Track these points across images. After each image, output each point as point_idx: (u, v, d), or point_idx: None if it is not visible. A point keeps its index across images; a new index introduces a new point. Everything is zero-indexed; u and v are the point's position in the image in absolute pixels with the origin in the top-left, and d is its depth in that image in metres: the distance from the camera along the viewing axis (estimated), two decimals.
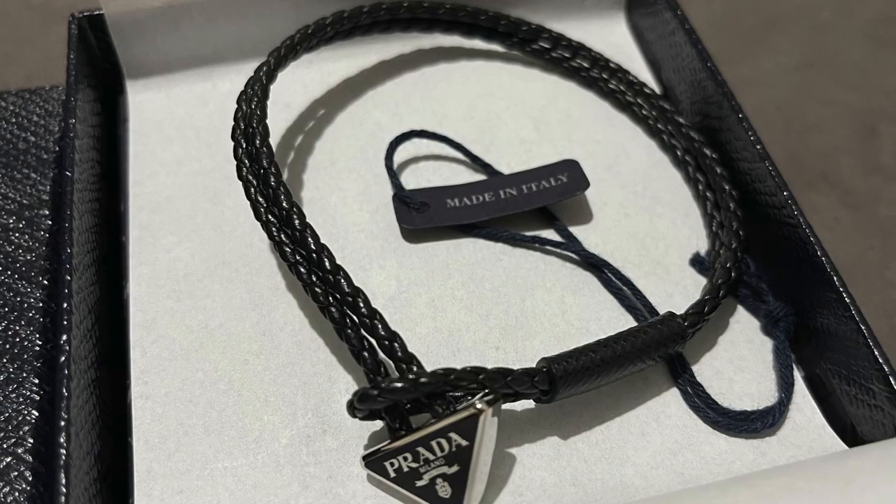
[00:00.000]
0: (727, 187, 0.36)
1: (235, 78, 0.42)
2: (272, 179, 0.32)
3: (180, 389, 0.31)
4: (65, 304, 0.30)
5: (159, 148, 0.39)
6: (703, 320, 0.32)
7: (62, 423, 0.27)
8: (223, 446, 0.30)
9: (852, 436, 0.31)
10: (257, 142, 0.33)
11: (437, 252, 0.36)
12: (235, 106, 0.35)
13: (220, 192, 0.37)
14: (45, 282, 0.36)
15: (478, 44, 0.44)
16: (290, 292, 0.34)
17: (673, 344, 0.31)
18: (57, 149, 0.40)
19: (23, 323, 0.34)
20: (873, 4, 0.59)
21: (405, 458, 0.28)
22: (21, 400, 0.32)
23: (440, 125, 0.40)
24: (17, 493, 0.30)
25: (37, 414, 0.32)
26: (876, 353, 0.29)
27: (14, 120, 0.41)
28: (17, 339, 0.34)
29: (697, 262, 0.35)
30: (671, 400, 0.32)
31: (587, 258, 0.35)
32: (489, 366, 0.28)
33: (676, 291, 0.35)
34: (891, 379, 0.29)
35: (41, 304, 0.35)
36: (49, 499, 0.30)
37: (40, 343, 0.34)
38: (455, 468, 0.27)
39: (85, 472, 0.28)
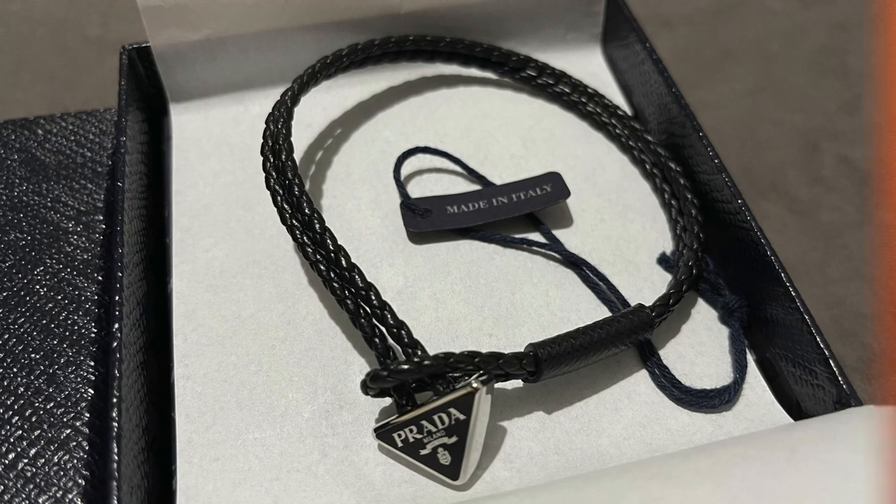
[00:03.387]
0: (689, 196, 0.36)
1: (264, 101, 0.42)
2: (296, 189, 0.32)
3: (217, 371, 0.31)
4: (117, 297, 0.30)
5: (198, 162, 0.39)
6: (669, 311, 0.32)
7: (114, 400, 0.27)
8: (253, 420, 0.30)
9: (797, 411, 0.31)
10: (283, 156, 0.33)
11: (438, 252, 0.36)
12: (264, 126, 0.35)
13: (251, 200, 0.37)
14: (100, 278, 0.36)
15: (474, 72, 0.44)
16: (312, 287, 0.34)
17: (642, 332, 0.31)
18: (110, 163, 0.40)
19: (80, 313, 0.34)
20: (816, 38, 0.59)
21: (411, 430, 0.28)
22: (79, 380, 0.32)
23: (441, 142, 0.40)
24: (75, 461, 0.30)
25: (92, 392, 0.32)
26: (818, 339, 0.29)
27: (73, 138, 0.41)
28: (76, 328, 0.34)
29: (664, 261, 0.36)
30: (641, 380, 0.32)
31: (568, 257, 0.35)
32: (483, 350, 0.28)
33: (645, 286, 0.35)
34: (830, 362, 0.29)
35: (96, 297, 0.35)
36: (103, 465, 0.30)
37: (95, 331, 0.34)
38: (454, 439, 0.27)
39: (134, 443, 0.28)
